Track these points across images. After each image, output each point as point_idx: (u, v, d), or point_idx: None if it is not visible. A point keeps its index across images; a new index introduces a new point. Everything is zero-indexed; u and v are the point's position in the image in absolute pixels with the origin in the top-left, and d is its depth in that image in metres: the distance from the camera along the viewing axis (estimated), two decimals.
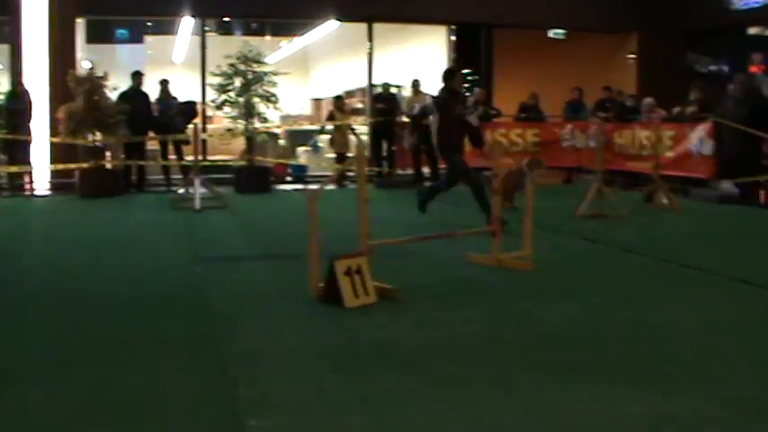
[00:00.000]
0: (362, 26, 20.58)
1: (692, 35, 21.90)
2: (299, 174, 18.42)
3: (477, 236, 8.61)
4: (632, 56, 22.79)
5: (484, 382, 4.42)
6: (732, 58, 21.43)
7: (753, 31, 21.70)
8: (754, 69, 20.60)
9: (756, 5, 19.00)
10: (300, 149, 20.73)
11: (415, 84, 17.53)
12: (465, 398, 4.17)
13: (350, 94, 22.38)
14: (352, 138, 17.54)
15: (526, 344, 5.24)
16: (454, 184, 10.93)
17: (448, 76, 10.81)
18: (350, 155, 17.10)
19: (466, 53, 21.45)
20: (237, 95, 15.77)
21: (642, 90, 20.68)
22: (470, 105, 10.09)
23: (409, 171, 16.97)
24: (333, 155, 17.98)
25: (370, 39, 20.57)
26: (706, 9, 20.62)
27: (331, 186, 15.53)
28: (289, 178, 18.32)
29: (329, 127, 17.63)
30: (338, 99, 18.15)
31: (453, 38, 21.58)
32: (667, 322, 5.82)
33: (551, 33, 22.85)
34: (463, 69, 14.88)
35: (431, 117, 10.92)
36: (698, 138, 14.82)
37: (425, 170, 16.59)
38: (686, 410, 4.00)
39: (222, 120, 17.76)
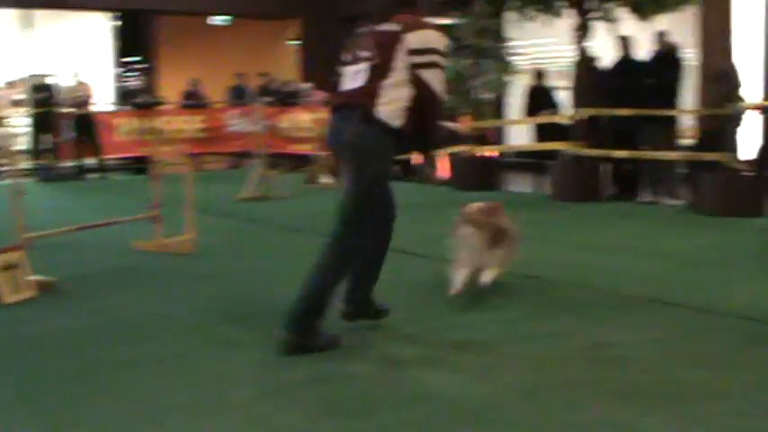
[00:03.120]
0: (20, 12, 19.70)
1: (351, 21, 22.83)
2: None
3: (141, 222, 8.61)
4: (294, 42, 23.45)
5: (146, 363, 4.53)
6: None
7: None
8: None
9: None
10: None
11: (75, 74, 16.99)
12: (122, 381, 4.26)
13: (11, 84, 21.27)
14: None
15: (190, 322, 5.41)
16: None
17: None
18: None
19: (129, 41, 21.21)
20: None
21: (304, 75, 21.38)
22: None
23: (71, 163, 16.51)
24: None
25: (28, 26, 19.72)
26: None
27: None
28: None
29: None
30: None
31: (115, 24, 21.21)
32: None
33: (214, 20, 23.01)
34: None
35: None
36: None
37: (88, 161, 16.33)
38: (333, 371, 4.34)
39: None
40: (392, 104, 4.34)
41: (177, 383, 4.20)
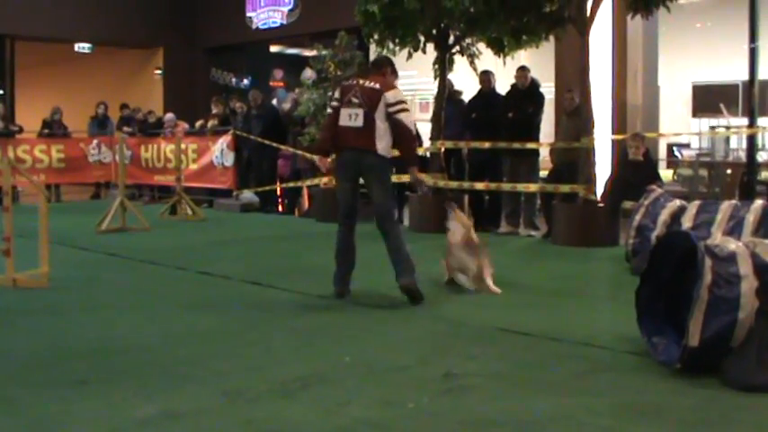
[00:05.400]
0: None
1: (215, 51, 22.75)
2: None
3: None
4: (159, 71, 23.18)
5: None
6: (254, 73, 22.51)
7: (274, 48, 22.93)
8: (275, 84, 21.72)
9: (275, 25, 20.16)
10: None
11: None
12: None
13: None
14: None
15: (34, 361, 5.22)
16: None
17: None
18: None
19: None
20: None
21: (168, 104, 21.15)
22: None
23: None
24: None
25: None
26: (228, 26, 21.51)
27: None
28: None
29: None
30: None
31: None
32: (176, 327, 6.13)
33: (78, 47, 22.53)
34: None
35: None
36: (220, 150, 15.52)
37: None
38: (189, 406, 4.28)
39: None
40: (384, 143, 6.70)
41: (15, 426, 4.06)
